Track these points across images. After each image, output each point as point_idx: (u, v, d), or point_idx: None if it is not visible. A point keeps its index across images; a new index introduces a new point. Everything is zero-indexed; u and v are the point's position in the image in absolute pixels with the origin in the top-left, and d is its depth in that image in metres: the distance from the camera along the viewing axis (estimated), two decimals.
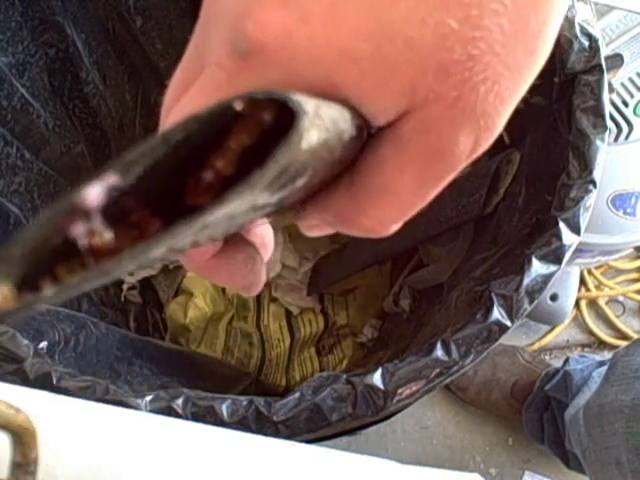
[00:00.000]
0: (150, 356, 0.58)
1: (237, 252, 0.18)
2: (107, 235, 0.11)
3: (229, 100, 0.11)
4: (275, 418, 0.37)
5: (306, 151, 0.12)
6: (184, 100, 0.14)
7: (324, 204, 0.16)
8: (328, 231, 0.19)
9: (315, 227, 0.18)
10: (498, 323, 0.39)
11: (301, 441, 0.37)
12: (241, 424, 0.38)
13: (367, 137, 0.15)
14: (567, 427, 0.76)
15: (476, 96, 0.13)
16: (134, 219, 0.12)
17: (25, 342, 0.39)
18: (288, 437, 0.37)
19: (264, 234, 0.21)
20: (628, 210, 0.69)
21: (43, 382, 0.38)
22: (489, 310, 0.39)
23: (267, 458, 0.26)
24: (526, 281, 0.40)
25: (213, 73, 0.14)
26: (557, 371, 0.85)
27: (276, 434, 0.37)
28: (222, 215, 0.11)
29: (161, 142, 0.11)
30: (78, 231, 0.11)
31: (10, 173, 0.57)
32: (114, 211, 0.11)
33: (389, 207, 0.15)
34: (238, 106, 0.11)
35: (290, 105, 0.11)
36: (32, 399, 0.26)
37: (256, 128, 0.12)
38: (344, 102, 0.13)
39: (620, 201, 0.68)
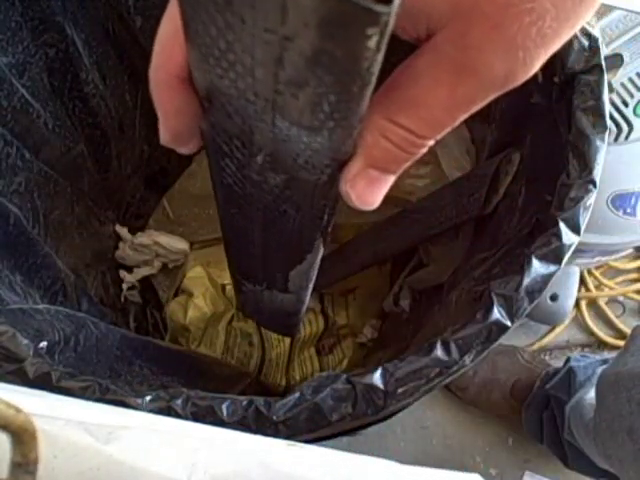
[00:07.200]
0: (150, 356, 0.57)
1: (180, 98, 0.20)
2: None
3: None
4: (275, 418, 0.37)
5: (367, 48, 0.12)
6: None
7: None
8: (378, 191, 0.19)
9: (362, 182, 0.19)
10: (498, 323, 0.39)
11: (301, 441, 0.37)
12: (241, 424, 0.37)
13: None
14: (567, 416, 0.76)
15: (519, 25, 0.13)
16: None
17: (25, 342, 0.39)
18: (288, 437, 0.37)
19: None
20: (628, 210, 0.69)
21: (43, 382, 0.38)
22: (489, 310, 0.39)
23: (266, 458, 0.26)
24: (526, 281, 0.40)
25: None
26: (557, 371, 0.85)
27: (276, 434, 0.37)
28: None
29: None
30: None
31: (10, 173, 0.57)
32: None
33: (420, 119, 0.16)
34: None
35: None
36: (32, 399, 0.26)
37: None
38: None
39: (620, 201, 0.68)
